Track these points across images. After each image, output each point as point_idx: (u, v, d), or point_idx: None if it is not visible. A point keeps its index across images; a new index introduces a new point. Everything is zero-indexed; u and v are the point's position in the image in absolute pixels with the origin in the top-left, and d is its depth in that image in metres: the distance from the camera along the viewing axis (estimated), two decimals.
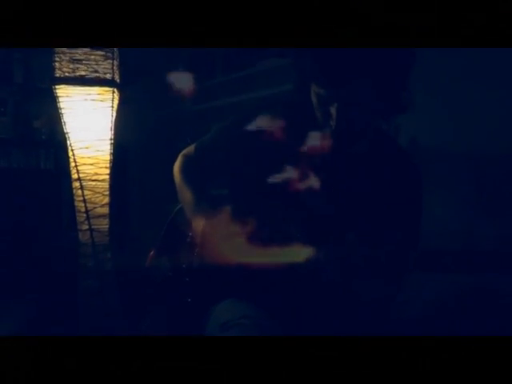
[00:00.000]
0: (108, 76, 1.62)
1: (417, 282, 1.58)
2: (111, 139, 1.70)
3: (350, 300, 0.99)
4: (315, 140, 1.06)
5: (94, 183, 1.68)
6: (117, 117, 1.70)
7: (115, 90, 1.66)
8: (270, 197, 1.10)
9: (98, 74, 1.61)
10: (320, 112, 1.00)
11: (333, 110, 0.95)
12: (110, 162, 1.71)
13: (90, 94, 1.62)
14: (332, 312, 1.03)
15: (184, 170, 1.24)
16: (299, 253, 0.96)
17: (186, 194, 1.19)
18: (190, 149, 1.27)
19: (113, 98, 1.66)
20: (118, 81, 1.67)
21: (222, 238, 1.05)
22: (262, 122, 1.12)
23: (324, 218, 1.06)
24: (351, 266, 0.89)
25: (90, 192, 1.68)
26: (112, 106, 1.67)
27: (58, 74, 1.59)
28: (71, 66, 1.58)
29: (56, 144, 3.15)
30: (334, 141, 1.01)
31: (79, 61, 1.58)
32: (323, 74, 0.93)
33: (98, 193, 1.69)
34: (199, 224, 1.09)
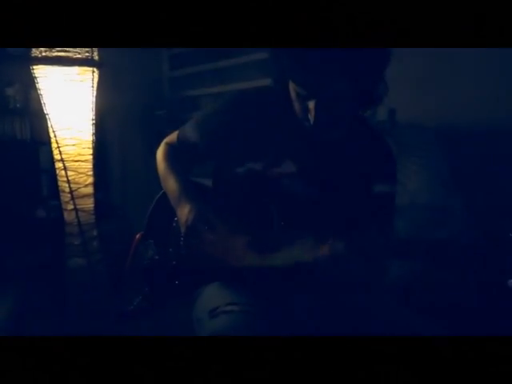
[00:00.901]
0: (87, 55, 1.59)
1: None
2: (93, 119, 1.69)
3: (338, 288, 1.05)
4: (295, 130, 1.09)
5: (77, 164, 1.68)
6: (97, 96, 1.68)
7: (95, 69, 1.63)
8: (253, 184, 1.13)
9: (76, 54, 1.58)
10: (298, 106, 1.03)
11: (311, 105, 0.98)
12: (93, 142, 1.71)
13: (68, 74, 1.59)
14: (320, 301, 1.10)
15: (167, 158, 1.24)
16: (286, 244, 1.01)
17: (169, 183, 1.19)
18: (173, 137, 1.27)
19: (93, 78, 1.64)
20: (97, 59, 1.64)
21: (208, 229, 1.08)
22: (242, 112, 1.14)
23: (305, 203, 1.11)
24: (334, 250, 0.94)
25: (73, 172, 1.68)
26: (92, 86, 1.65)
27: (35, 53, 1.55)
28: None
29: (32, 114, 3.09)
30: (313, 132, 1.05)
31: None
32: (300, 73, 0.96)
33: (82, 173, 1.70)
34: (184, 213, 1.10)
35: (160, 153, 1.27)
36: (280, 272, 1.06)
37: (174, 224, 1.22)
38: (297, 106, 1.03)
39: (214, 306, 1.00)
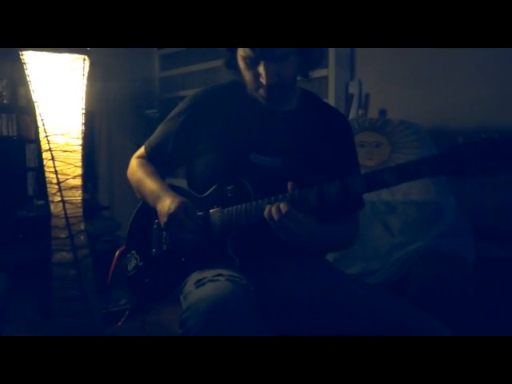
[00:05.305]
0: None
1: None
2: (83, 108, 1.65)
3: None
4: (253, 107, 1.12)
5: (65, 154, 1.64)
6: (88, 85, 1.65)
7: (86, 57, 1.60)
8: (226, 170, 1.12)
9: None
10: (249, 74, 1.05)
11: (261, 69, 1.01)
12: (82, 133, 1.67)
13: (59, 62, 1.56)
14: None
15: (141, 167, 1.24)
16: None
17: (146, 186, 1.18)
18: (141, 151, 1.28)
19: (83, 66, 1.60)
20: (89, 48, 1.61)
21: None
22: (202, 109, 1.18)
23: (274, 173, 1.10)
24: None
25: (61, 163, 1.64)
26: (83, 75, 1.61)
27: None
28: None
29: (19, 110, 3.04)
30: (268, 98, 1.07)
31: None
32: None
33: (70, 164, 1.66)
34: (166, 204, 1.08)
35: (132, 167, 1.27)
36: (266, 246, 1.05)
37: (155, 226, 1.21)
38: (248, 75, 1.06)
39: (201, 278, 0.99)
